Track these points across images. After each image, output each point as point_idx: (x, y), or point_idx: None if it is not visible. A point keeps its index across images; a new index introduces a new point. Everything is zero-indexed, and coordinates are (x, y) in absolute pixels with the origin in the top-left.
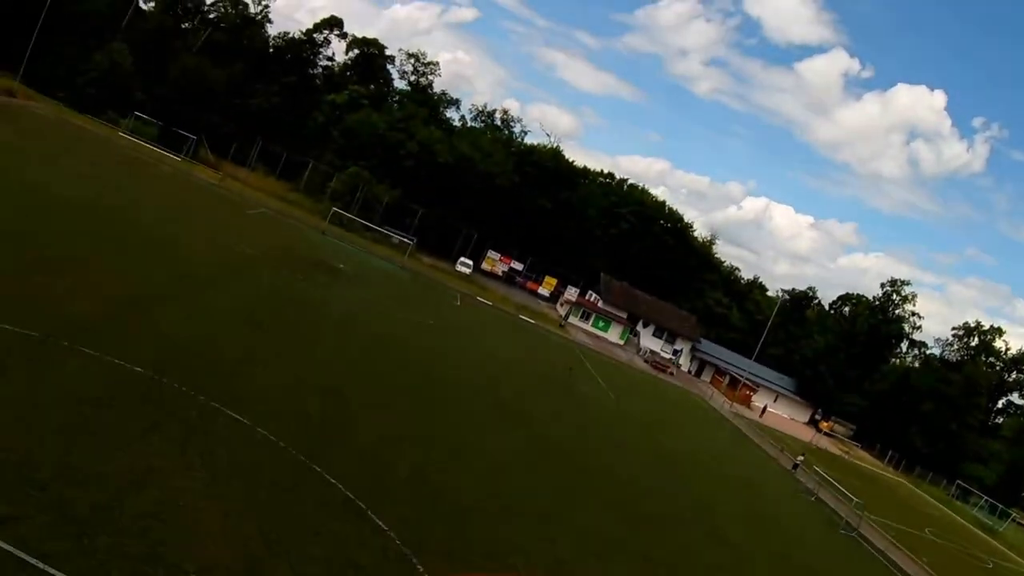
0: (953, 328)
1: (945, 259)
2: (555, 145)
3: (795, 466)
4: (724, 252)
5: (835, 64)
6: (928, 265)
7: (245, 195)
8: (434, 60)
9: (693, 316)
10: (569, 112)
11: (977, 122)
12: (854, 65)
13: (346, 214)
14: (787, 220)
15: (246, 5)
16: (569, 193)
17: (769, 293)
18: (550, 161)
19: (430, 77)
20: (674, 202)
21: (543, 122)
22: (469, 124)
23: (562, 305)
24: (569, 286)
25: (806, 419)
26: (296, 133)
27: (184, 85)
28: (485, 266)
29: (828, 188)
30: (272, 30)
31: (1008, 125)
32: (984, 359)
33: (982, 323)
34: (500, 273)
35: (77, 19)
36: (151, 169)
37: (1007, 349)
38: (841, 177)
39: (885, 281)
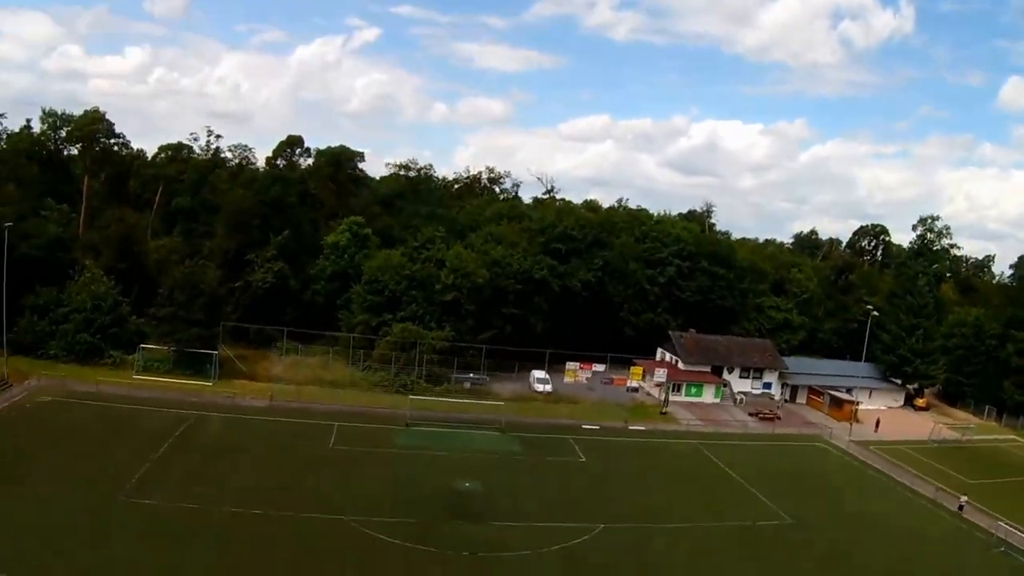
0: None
1: (902, 126)
2: (552, 195)
3: (960, 507)
4: (688, 183)
5: None
6: (886, 137)
7: (297, 401)
8: (426, 165)
9: (768, 342)
10: (498, 98)
11: None
12: None
13: (423, 397)
14: (737, 135)
15: (189, 148)
16: (604, 255)
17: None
18: (574, 229)
19: (423, 173)
20: (622, 149)
21: (531, 168)
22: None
23: (656, 387)
24: (656, 370)
25: (901, 401)
26: (309, 292)
27: (181, 299)
28: (567, 379)
29: (769, 92)
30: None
31: None
32: None
33: None
34: (584, 380)
35: (32, 262)
36: (200, 432)
37: None
38: (779, 77)
39: (915, 222)
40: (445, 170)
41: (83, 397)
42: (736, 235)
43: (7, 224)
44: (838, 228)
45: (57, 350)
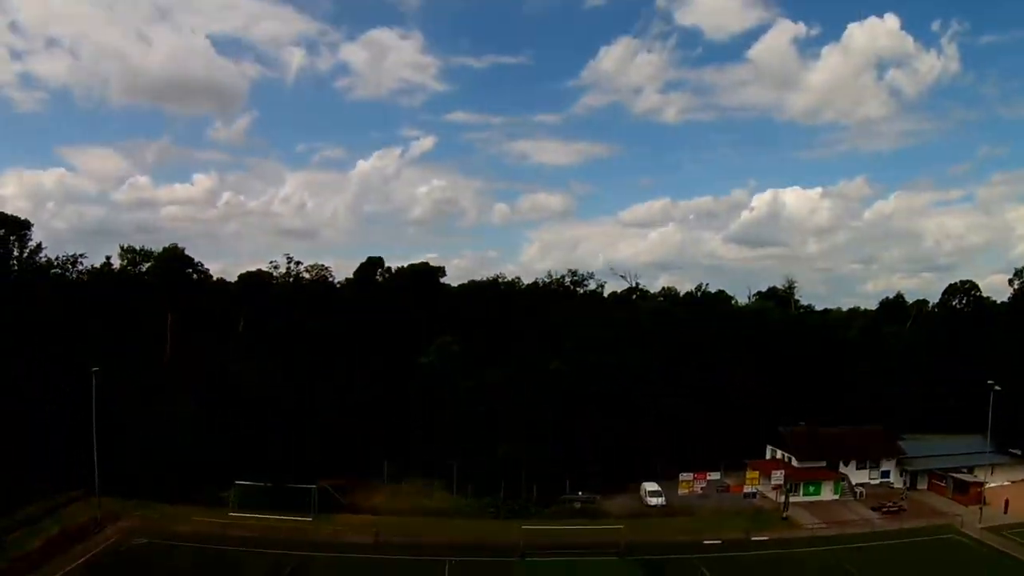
0: None
1: (962, 169)
2: (637, 290)
3: None
4: (755, 256)
5: (782, 35)
6: (949, 182)
7: (403, 535)
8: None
9: (880, 428)
10: (557, 192)
11: (935, 26)
12: (800, 28)
13: (534, 526)
14: (799, 201)
15: (269, 275)
16: (703, 353)
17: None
18: (665, 324)
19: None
20: (685, 230)
21: (612, 264)
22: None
23: (773, 489)
24: (773, 472)
25: None
26: (405, 415)
27: (273, 431)
28: (682, 490)
29: (825, 153)
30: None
31: (964, 15)
32: None
33: None
34: (699, 491)
35: (121, 401)
36: None
37: None
38: (833, 137)
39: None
40: (512, 267)
41: (179, 538)
42: (810, 304)
43: (94, 369)
44: (913, 284)
45: (151, 488)
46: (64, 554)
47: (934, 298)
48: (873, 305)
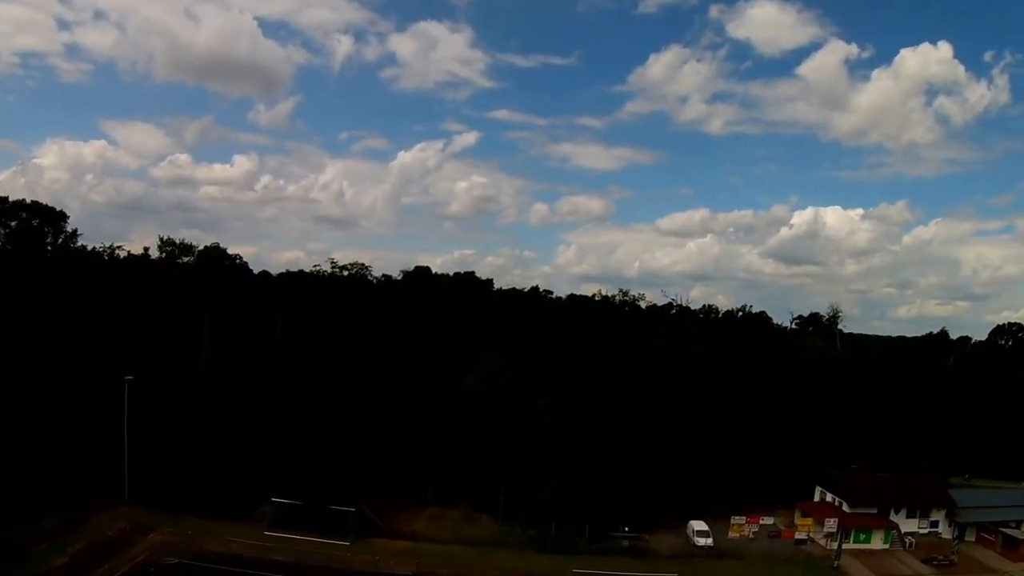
0: None
1: (1003, 200)
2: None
3: None
4: (791, 273)
5: (834, 55)
6: (989, 212)
7: (446, 567)
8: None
9: (932, 476)
10: (597, 196)
11: (988, 56)
12: (852, 49)
13: (584, 570)
14: (839, 221)
15: (312, 276)
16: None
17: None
18: (712, 347)
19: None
20: (723, 243)
21: (647, 271)
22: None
23: (825, 536)
24: (827, 520)
25: None
26: (448, 435)
27: (312, 446)
28: (733, 534)
29: (868, 175)
30: None
31: (1017, 47)
32: None
33: None
34: (751, 535)
35: (154, 407)
36: None
37: None
38: (877, 160)
39: None
40: (548, 268)
41: (214, 559)
42: (850, 332)
43: (128, 377)
44: (946, 312)
45: (182, 499)
46: (91, 572)
47: (967, 328)
48: (905, 330)
